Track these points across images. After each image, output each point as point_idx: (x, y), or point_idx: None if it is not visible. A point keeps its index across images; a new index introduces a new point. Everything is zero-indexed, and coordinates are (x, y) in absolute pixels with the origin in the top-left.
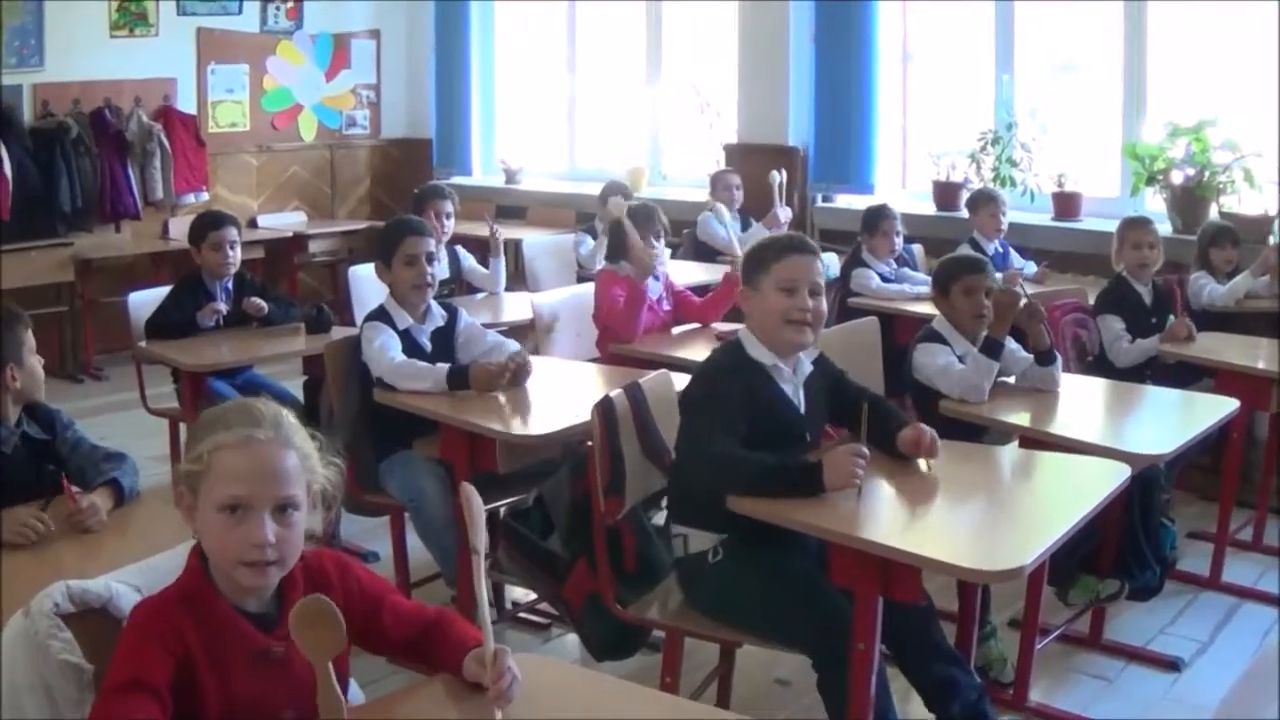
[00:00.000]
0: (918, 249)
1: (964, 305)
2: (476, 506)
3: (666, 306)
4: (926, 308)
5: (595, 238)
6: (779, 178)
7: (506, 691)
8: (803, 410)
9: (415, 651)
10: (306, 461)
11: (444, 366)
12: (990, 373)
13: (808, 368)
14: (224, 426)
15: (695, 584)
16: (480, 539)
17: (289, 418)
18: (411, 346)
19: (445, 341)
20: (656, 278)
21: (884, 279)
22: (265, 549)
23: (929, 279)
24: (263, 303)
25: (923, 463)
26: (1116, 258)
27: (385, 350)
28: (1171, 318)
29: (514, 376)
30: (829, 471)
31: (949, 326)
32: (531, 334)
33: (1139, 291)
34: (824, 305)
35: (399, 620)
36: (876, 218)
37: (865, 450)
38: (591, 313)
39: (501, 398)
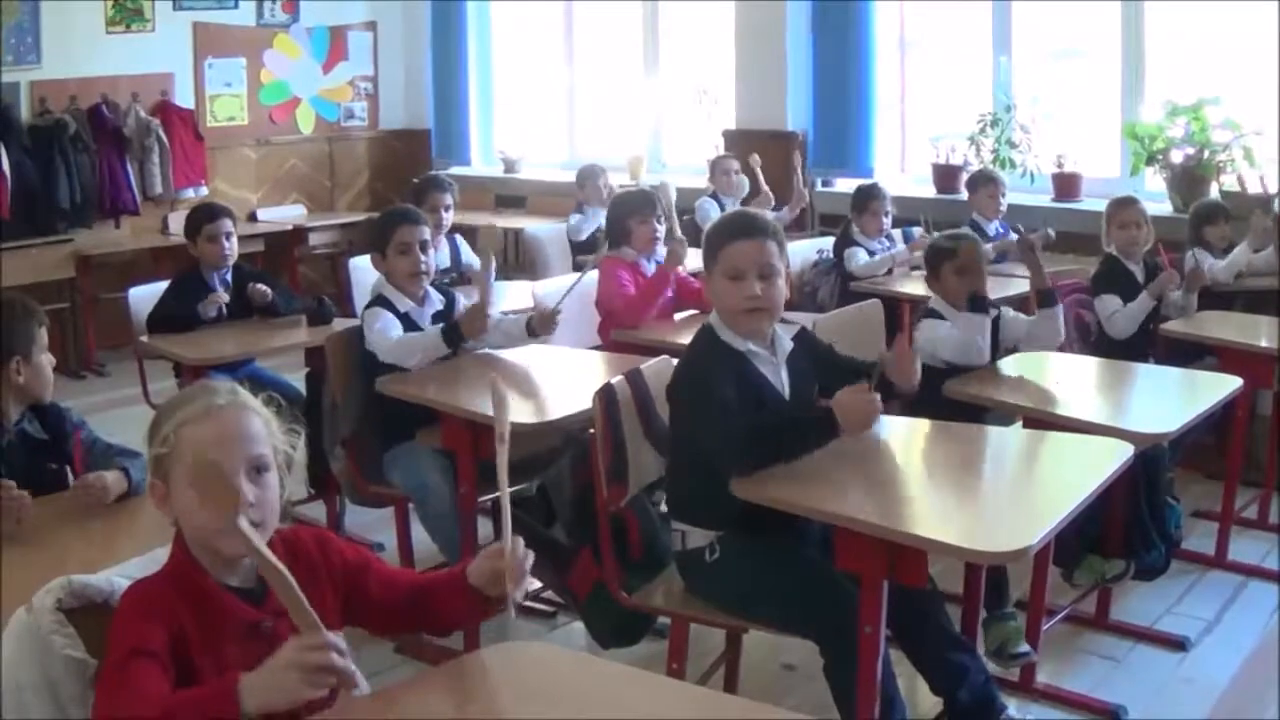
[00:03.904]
0: (918, 231)
1: (956, 284)
2: (502, 396)
3: (670, 293)
4: (923, 288)
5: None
6: (758, 161)
7: (520, 569)
8: (787, 392)
9: (409, 614)
10: (269, 425)
11: (435, 328)
12: (983, 328)
13: (788, 345)
14: (183, 404)
15: (695, 580)
16: (506, 427)
17: (242, 388)
18: (413, 329)
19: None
20: (658, 262)
21: (871, 255)
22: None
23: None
24: (267, 288)
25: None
26: (1106, 238)
27: (385, 332)
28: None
29: (543, 324)
30: (844, 416)
31: (945, 305)
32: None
33: (1131, 270)
34: (779, 287)
35: (387, 587)
36: (865, 197)
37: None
38: (594, 300)
39: (503, 386)
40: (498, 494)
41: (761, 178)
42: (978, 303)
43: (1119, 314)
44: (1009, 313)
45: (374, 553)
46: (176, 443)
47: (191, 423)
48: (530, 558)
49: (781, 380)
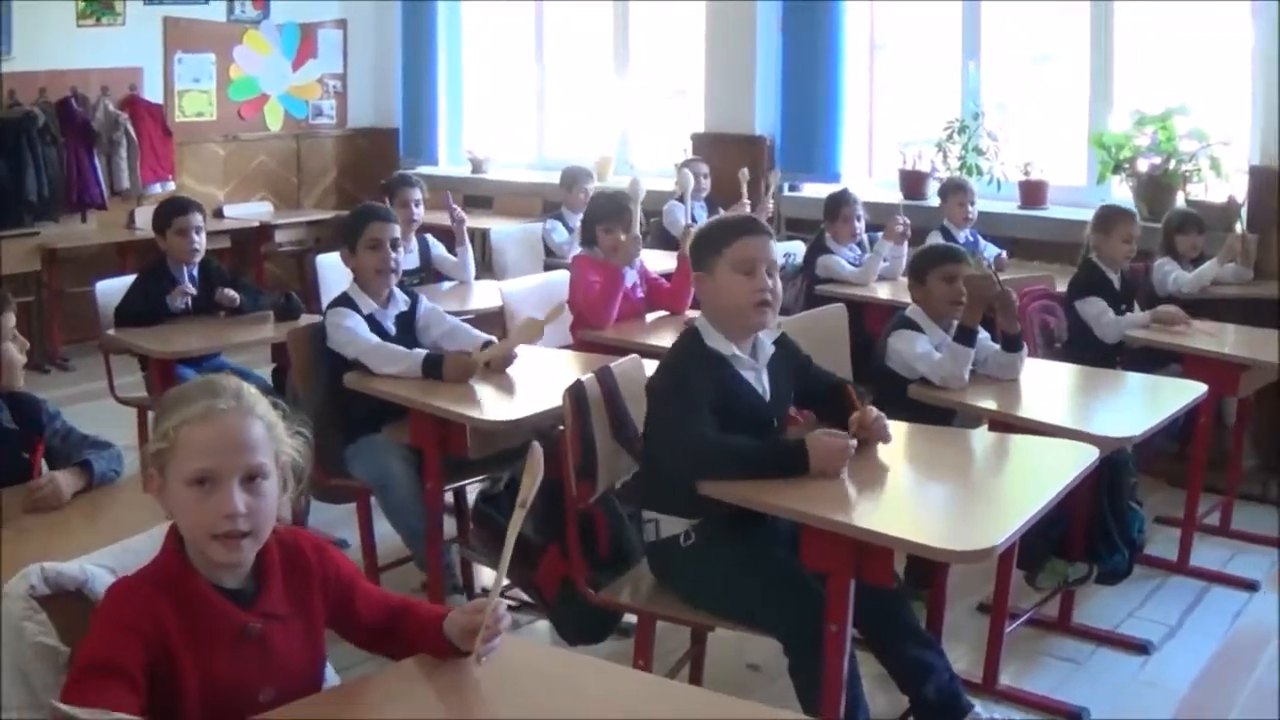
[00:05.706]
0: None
1: (942, 293)
2: (538, 462)
3: (640, 294)
4: (889, 292)
5: (566, 224)
6: (747, 175)
7: (494, 630)
8: (768, 396)
9: (384, 638)
10: (272, 431)
11: (420, 352)
12: (967, 360)
13: (769, 349)
14: (187, 402)
15: (668, 568)
16: (531, 494)
17: (251, 389)
18: (377, 331)
19: (408, 326)
20: (632, 266)
21: (852, 265)
22: (236, 519)
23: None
24: (235, 294)
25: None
26: (1100, 246)
27: (357, 333)
28: (1137, 305)
29: (492, 366)
30: (815, 457)
31: (922, 315)
32: (500, 322)
33: (1110, 278)
34: (780, 285)
35: (370, 606)
36: (837, 204)
37: (853, 441)
38: (566, 298)
39: (473, 383)
40: (461, 483)
41: (745, 190)
42: (966, 335)
43: (1108, 318)
44: (982, 333)
45: (359, 570)
46: (175, 440)
47: (191, 423)
48: (508, 619)
49: (763, 384)
